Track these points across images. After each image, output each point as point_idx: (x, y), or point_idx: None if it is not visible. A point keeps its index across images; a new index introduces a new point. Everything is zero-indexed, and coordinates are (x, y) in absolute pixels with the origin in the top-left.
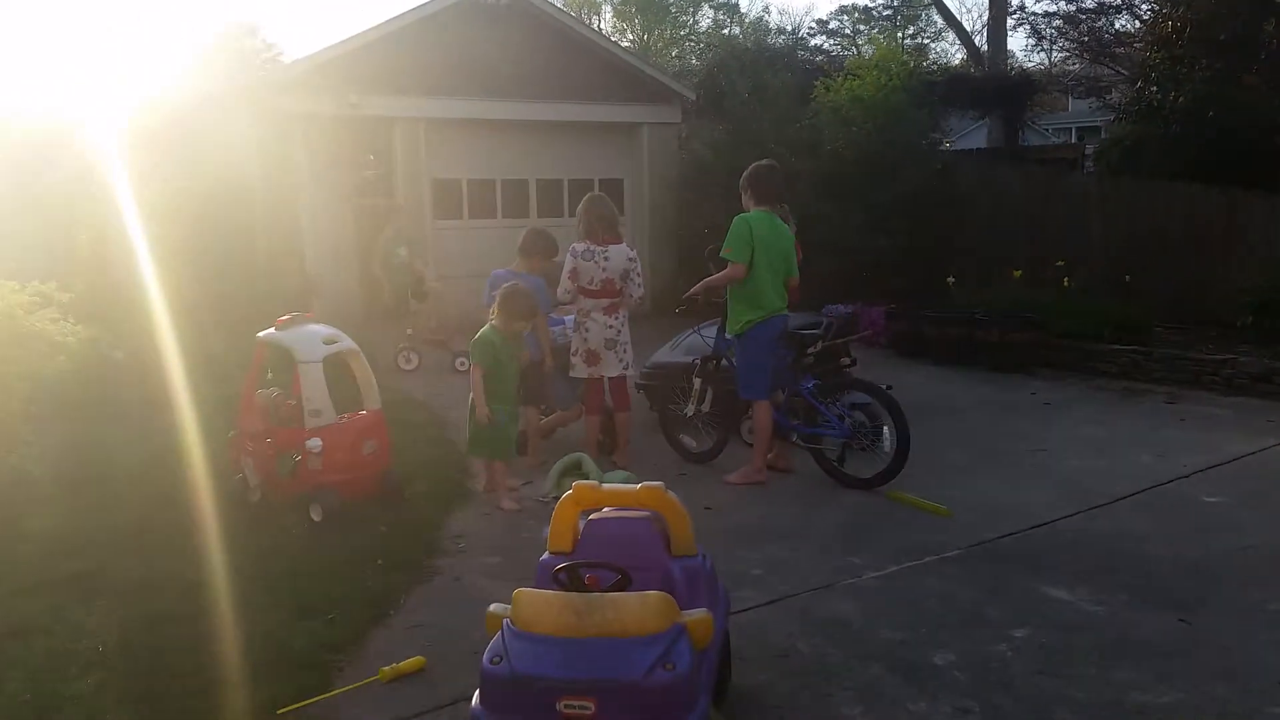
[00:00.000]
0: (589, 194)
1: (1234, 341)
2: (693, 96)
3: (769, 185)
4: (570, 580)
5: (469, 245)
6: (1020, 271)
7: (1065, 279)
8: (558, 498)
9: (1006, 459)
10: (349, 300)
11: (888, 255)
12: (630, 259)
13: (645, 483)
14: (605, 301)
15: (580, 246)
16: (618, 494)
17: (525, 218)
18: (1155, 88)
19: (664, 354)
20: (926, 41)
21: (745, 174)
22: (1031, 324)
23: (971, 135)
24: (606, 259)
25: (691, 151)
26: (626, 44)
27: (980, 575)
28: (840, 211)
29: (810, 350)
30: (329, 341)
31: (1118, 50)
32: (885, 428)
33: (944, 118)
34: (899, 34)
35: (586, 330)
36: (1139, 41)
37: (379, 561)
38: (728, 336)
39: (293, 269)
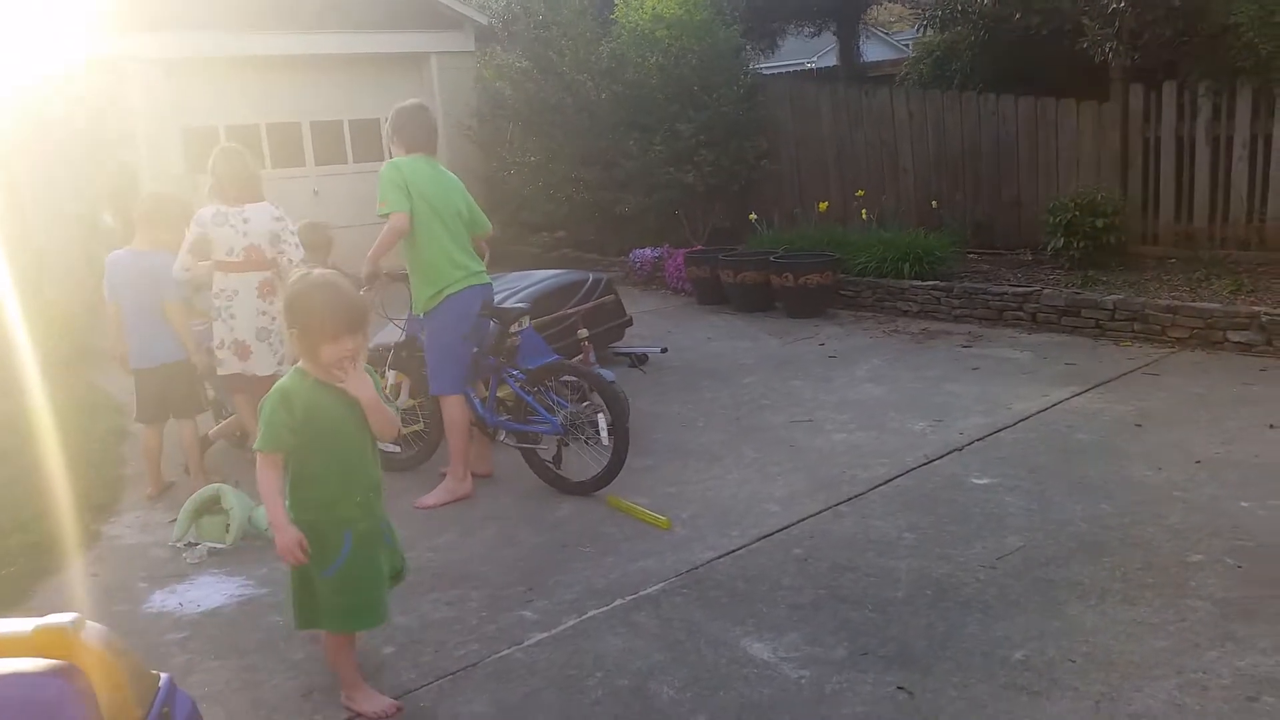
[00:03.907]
0: (220, 146)
1: (1045, 268)
2: (484, 21)
3: (417, 129)
4: None
5: None
6: (826, 204)
7: (863, 210)
8: (192, 544)
9: (765, 436)
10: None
11: (696, 190)
12: (277, 218)
13: (46, 620)
14: (256, 278)
15: (208, 211)
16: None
17: (300, 166)
18: None
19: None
20: None
21: (389, 120)
22: (830, 264)
23: (828, 56)
24: (245, 221)
25: (487, 83)
26: None
27: (673, 624)
28: (643, 145)
29: (515, 330)
30: None
31: None
32: (601, 417)
33: (780, 37)
34: None
35: (233, 316)
36: None
37: None
38: (416, 315)
39: (14, 238)
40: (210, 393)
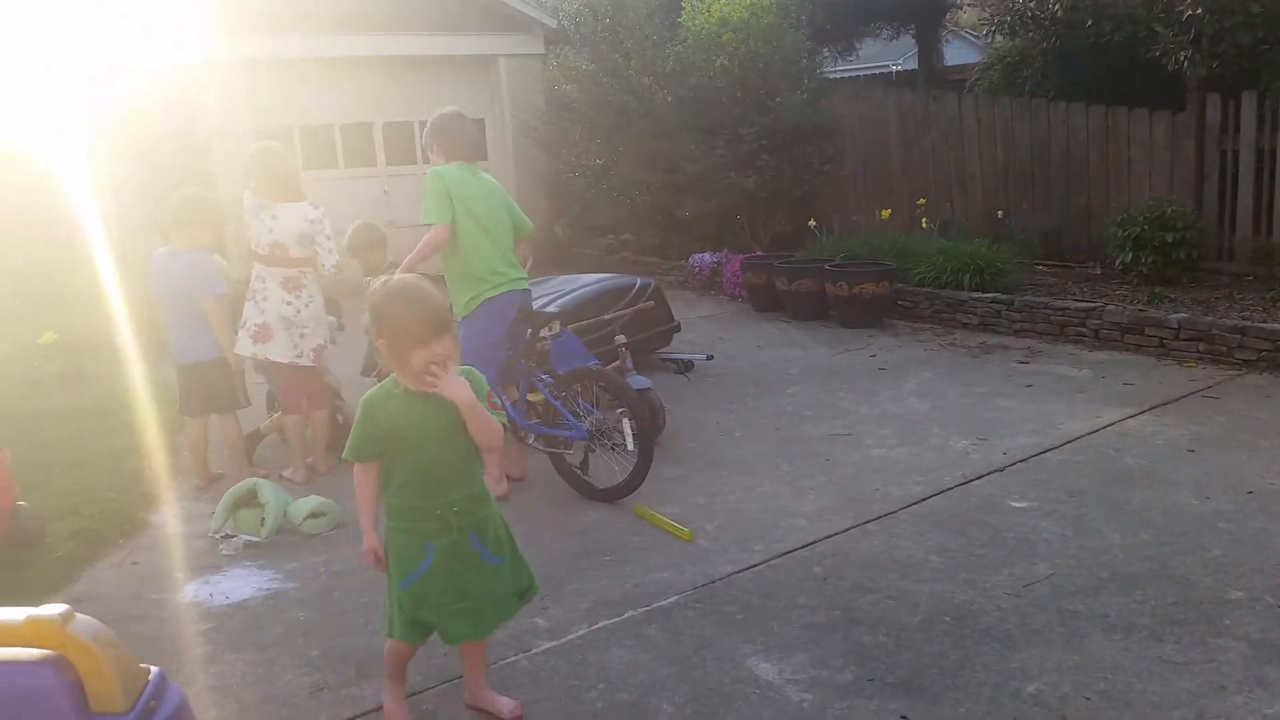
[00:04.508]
0: (261, 143)
1: (1113, 283)
2: (553, 23)
3: (455, 137)
4: None
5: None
6: (889, 211)
7: (924, 219)
8: (230, 537)
9: (801, 449)
10: None
11: (757, 196)
12: (311, 220)
13: (36, 611)
14: (280, 274)
15: (249, 200)
16: None
17: (371, 166)
18: None
19: None
20: None
21: (427, 128)
22: (887, 273)
23: (914, 59)
24: (275, 219)
25: (555, 86)
26: None
27: (683, 639)
28: (704, 149)
29: (545, 334)
30: None
31: None
32: (626, 424)
33: (857, 40)
34: None
35: (265, 298)
36: None
37: None
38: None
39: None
40: (266, 386)
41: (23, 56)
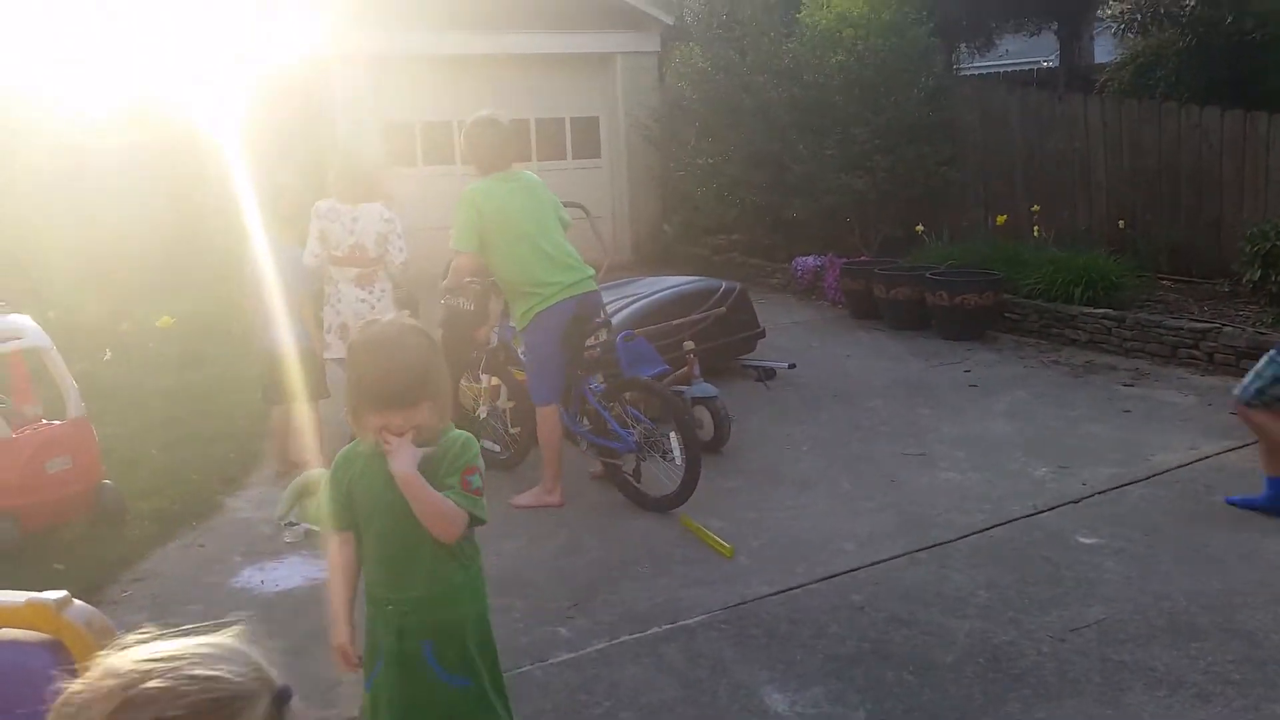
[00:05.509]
0: (347, 145)
1: (1239, 302)
2: (670, 20)
3: (484, 149)
4: None
5: (426, 196)
6: (1005, 217)
7: (1036, 227)
8: (292, 524)
9: (868, 467)
10: None
11: (868, 197)
12: (386, 220)
13: (37, 596)
14: (354, 271)
15: (324, 205)
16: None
17: None
18: None
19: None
20: None
21: (463, 134)
22: (991, 284)
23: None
24: (355, 220)
25: (669, 85)
26: None
27: (700, 660)
28: (813, 148)
29: (591, 343)
30: (2, 338)
31: None
32: (672, 435)
33: (997, 36)
34: None
35: (339, 301)
36: None
37: None
38: (513, 326)
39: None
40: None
41: (158, 51)
